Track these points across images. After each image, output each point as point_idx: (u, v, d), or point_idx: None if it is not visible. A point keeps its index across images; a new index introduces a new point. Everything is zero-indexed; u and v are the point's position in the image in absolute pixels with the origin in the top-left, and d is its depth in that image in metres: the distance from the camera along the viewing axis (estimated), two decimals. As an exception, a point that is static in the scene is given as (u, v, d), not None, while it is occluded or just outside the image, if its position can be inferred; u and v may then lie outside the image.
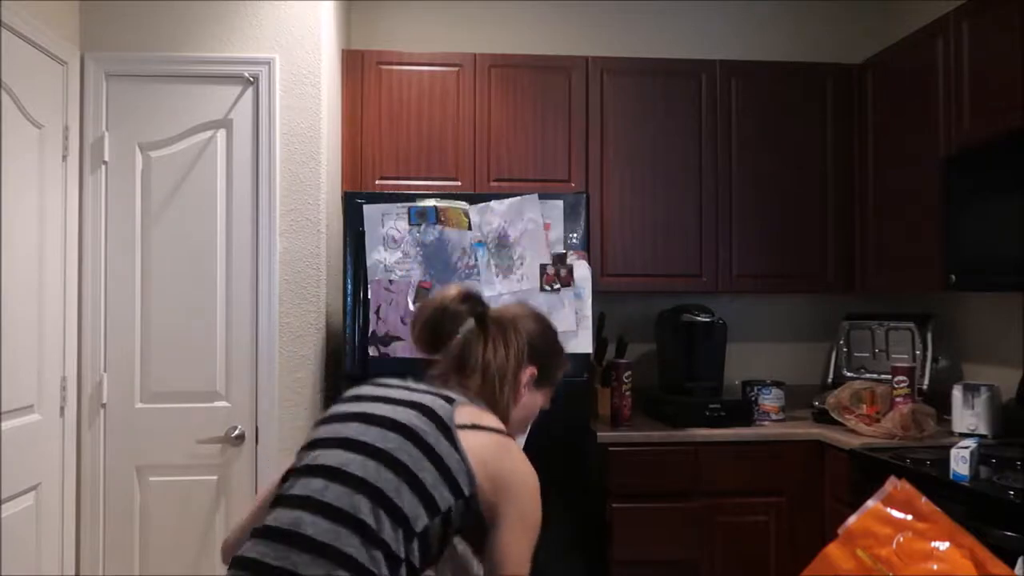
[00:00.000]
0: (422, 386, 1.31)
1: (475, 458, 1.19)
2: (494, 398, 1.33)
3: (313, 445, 1.24)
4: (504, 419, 1.33)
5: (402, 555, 1.11)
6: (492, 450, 1.22)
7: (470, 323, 1.35)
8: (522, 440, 1.47)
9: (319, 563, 1.08)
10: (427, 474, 1.16)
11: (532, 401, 1.42)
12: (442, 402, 1.24)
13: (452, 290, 1.38)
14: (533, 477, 1.26)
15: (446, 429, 1.20)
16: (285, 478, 1.24)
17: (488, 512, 1.21)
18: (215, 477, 2.59)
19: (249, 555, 1.13)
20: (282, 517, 1.15)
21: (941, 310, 3.16)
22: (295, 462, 1.25)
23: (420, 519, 1.14)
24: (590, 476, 2.69)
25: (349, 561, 1.08)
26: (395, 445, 1.17)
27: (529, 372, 1.38)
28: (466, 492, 1.18)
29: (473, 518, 1.22)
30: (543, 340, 1.42)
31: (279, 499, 1.19)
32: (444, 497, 1.16)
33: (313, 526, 1.11)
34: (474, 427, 1.23)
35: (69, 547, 2.49)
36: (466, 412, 1.24)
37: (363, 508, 1.11)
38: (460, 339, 1.34)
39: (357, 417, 1.24)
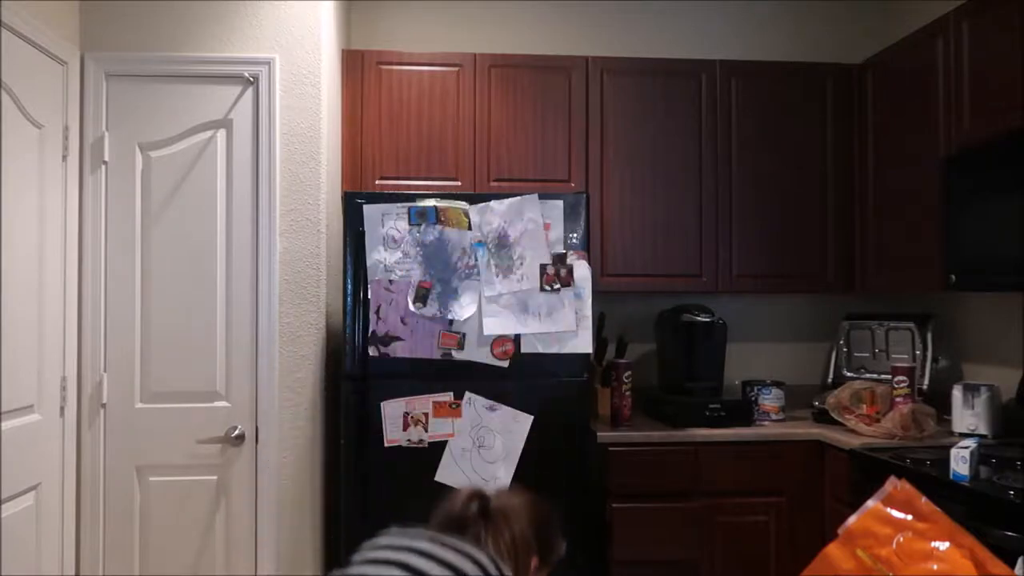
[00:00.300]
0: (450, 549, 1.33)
1: None
2: (516, 571, 1.39)
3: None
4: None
5: None
6: None
7: (476, 515, 1.42)
8: None
9: None
10: None
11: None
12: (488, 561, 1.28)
13: (463, 494, 1.46)
14: None
15: None
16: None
17: None
18: (215, 477, 2.59)
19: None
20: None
21: (941, 310, 3.16)
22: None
23: None
24: (590, 476, 2.69)
25: None
26: None
27: (534, 562, 1.44)
28: None
29: None
30: (544, 529, 1.49)
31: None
32: None
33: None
34: None
35: (69, 547, 2.49)
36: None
37: None
38: (471, 533, 1.40)
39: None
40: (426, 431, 2.55)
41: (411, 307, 2.56)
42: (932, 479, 2.17)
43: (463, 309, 2.58)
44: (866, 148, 3.16)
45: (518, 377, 2.58)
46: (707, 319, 3.06)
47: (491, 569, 1.26)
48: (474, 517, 1.41)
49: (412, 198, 2.60)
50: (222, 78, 2.62)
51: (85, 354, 2.56)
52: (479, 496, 1.45)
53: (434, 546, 1.27)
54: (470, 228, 2.60)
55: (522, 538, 1.41)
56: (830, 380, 3.35)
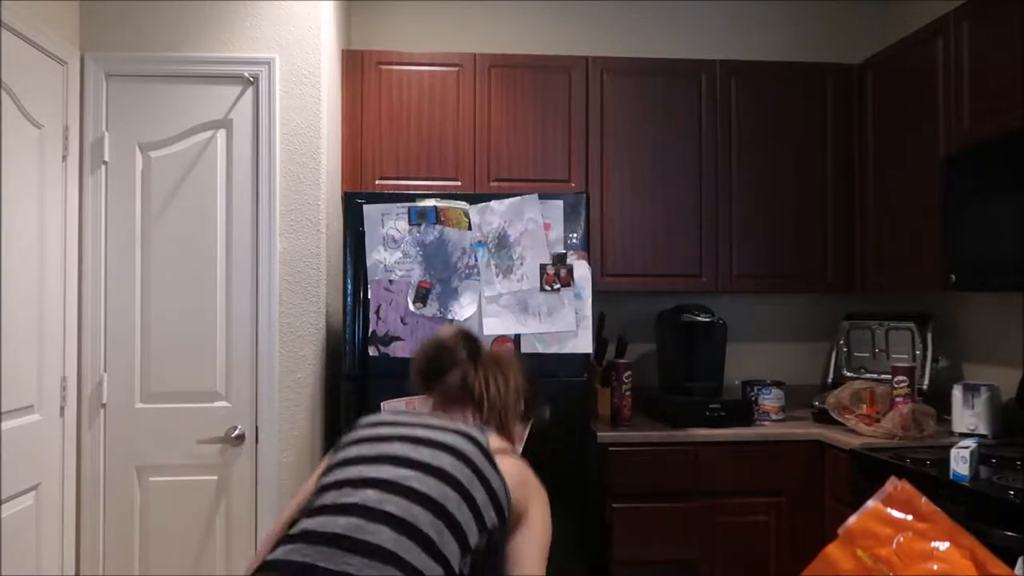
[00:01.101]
0: (435, 419, 1.37)
1: (509, 480, 1.27)
2: (502, 426, 1.42)
3: (348, 462, 1.25)
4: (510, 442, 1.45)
5: (457, 570, 1.14)
6: (519, 470, 1.32)
7: (465, 358, 1.45)
8: None
9: (375, 566, 1.08)
10: (479, 493, 1.21)
11: (522, 433, 1.55)
12: (476, 430, 1.32)
13: (449, 329, 1.51)
14: (544, 491, 1.38)
15: (487, 454, 1.27)
16: (318, 491, 1.24)
17: (512, 524, 1.29)
18: (215, 477, 2.59)
19: (287, 558, 1.12)
20: (332, 523, 1.14)
21: (941, 310, 3.16)
22: (327, 477, 1.26)
23: (473, 535, 1.18)
24: (590, 476, 2.69)
25: (409, 568, 1.10)
26: (448, 464, 1.22)
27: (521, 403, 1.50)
28: (505, 514, 1.24)
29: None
30: (528, 379, 1.53)
31: (322, 508, 1.19)
32: (491, 517, 1.22)
33: (375, 534, 1.12)
34: (502, 451, 1.32)
35: (69, 547, 2.49)
36: (495, 439, 1.35)
37: (424, 521, 1.14)
38: (458, 372, 1.43)
39: (401, 439, 1.27)
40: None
41: (411, 307, 2.56)
42: (932, 479, 2.17)
43: (463, 309, 2.58)
44: (866, 148, 3.16)
45: (518, 377, 2.58)
46: (707, 319, 3.06)
47: (482, 441, 1.29)
48: (463, 360, 1.43)
49: (412, 198, 2.60)
50: (222, 78, 2.62)
51: (85, 354, 2.56)
52: (467, 338, 1.48)
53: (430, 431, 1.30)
54: (470, 228, 2.60)
55: (512, 386, 1.45)
56: (830, 380, 3.35)
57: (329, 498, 1.19)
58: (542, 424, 1.64)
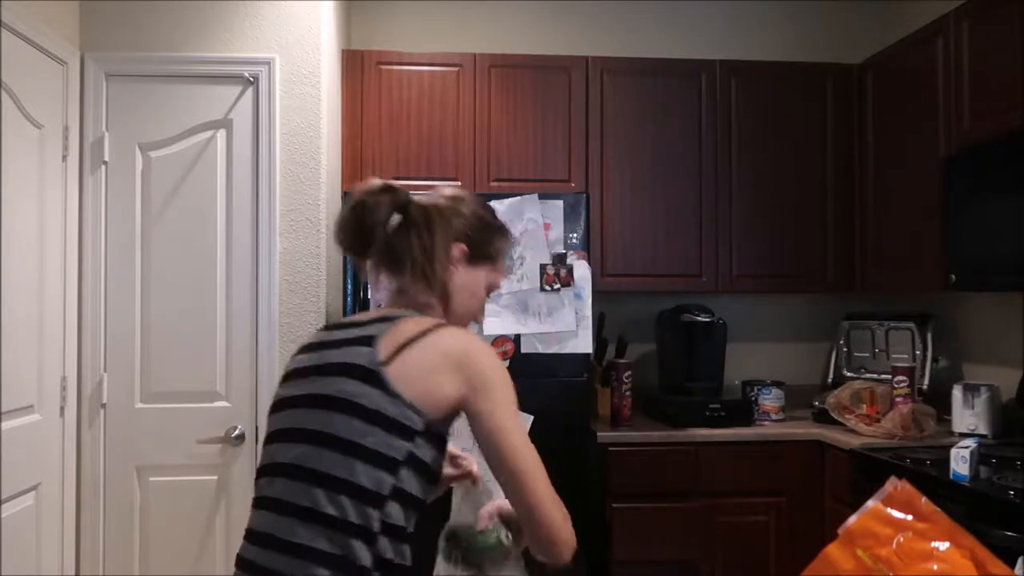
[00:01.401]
0: (353, 327, 1.26)
1: (416, 376, 1.16)
2: (427, 280, 1.29)
3: (268, 440, 1.25)
4: (445, 300, 1.32)
5: (376, 527, 1.12)
6: (430, 354, 1.17)
7: (393, 214, 1.29)
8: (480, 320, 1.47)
9: (298, 564, 1.10)
10: (372, 437, 1.13)
11: (473, 279, 1.37)
12: (364, 348, 1.19)
13: (372, 183, 1.32)
14: (481, 347, 1.23)
15: (373, 377, 1.15)
16: (259, 474, 1.25)
17: (463, 413, 1.19)
18: (215, 477, 2.59)
19: (245, 556, 1.17)
20: (258, 521, 1.17)
21: (941, 310, 3.16)
22: (262, 455, 1.25)
23: (384, 482, 1.13)
24: (590, 476, 2.69)
25: (324, 557, 1.09)
26: (333, 421, 1.15)
27: (459, 249, 1.34)
28: (419, 428, 1.14)
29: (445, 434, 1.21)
30: (472, 217, 1.37)
31: (256, 500, 1.21)
32: (398, 446, 1.13)
33: (285, 530, 1.12)
34: (403, 347, 1.17)
35: (69, 547, 2.49)
36: (389, 340, 1.18)
37: (322, 500, 1.11)
38: (384, 232, 1.28)
39: (296, 401, 1.22)
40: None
41: (411, 307, 2.56)
42: (932, 479, 2.17)
43: (463, 309, 2.57)
44: (866, 148, 3.16)
45: (518, 377, 2.56)
46: (707, 319, 3.06)
47: (374, 358, 1.17)
48: (396, 230, 1.28)
49: (412, 198, 2.60)
50: (222, 78, 2.62)
51: (85, 354, 2.56)
52: (391, 189, 1.30)
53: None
54: (470, 228, 2.59)
55: (441, 239, 1.30)
56: (830, 380, 3.35)
57: (259, 488, 1.21)
58: (499, 252, 1.42)
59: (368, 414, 1.14)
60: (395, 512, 1.14)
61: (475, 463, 1.41)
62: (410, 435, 1.15)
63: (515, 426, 1.20)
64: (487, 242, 1.39)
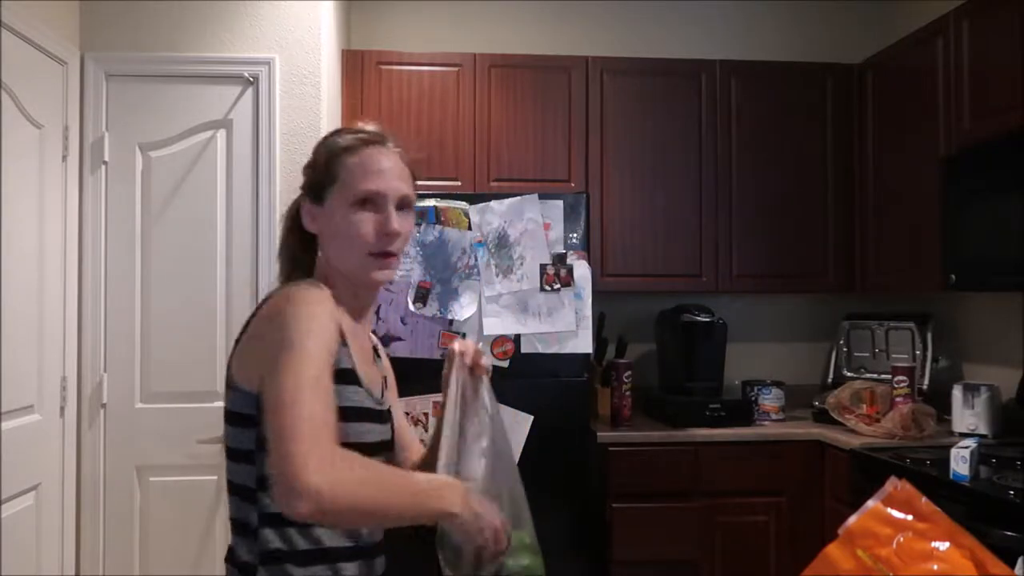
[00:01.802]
0: None
1: (244, 359, 1.14)
2: (291, 253, 1.30)
3: None
4: (310, 261, 1.27)
5: (254, 521, 1.14)
6: (252, 329, 1.14)
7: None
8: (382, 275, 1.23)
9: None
10: (231, 438, 1.16)
11: (327, 220, 1.19)
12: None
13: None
14: (277, 298, 1.11)
15: (228, 374, 1.16)
16: None
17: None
18: (215, 477, 2.59)
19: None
20: None
21: (941, 310, 3.16)
22: None
23: (249, 474, 1.14)
24: (590, 476, 2.69)
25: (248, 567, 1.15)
26: (225, 432, 1.18)
27: (306, 207, 1.24)
28: (256, 410, 1.08)
29: None
30: (309, 164, 1.26)
31: None
32: (248, 437, 1.13)
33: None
34: (240, 335, 1.16)
35: (69, 547, 2.49)
36: (241, 344, 1.15)
37: (232, 507, 1.19)
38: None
39: None
40: (426, 431, 2.55)
41: (411, 307, 2.56)
42: (932, 479, 2.17)
43: (463, 309, 2.58)
44: (866, 148, 3.16)
45: (518, 377, 2.58)
46: (707, 319, 3.06)
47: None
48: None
49: (412, 198, 2.60)
50: (222, 78, 2.62)
51: (85, 354, 2.56)
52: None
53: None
54: (470, 228, 2.60)
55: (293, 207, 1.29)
56: (830, 380, 3.35)
57: None
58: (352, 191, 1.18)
59: (227, 416, 1.17)
60: (268, 501, 1.10)
61: (458, 342, 1.28)
62: (253, 423, 1.10)
63: (290, 378, 1.00)
64: (324, 172, 1.20)
